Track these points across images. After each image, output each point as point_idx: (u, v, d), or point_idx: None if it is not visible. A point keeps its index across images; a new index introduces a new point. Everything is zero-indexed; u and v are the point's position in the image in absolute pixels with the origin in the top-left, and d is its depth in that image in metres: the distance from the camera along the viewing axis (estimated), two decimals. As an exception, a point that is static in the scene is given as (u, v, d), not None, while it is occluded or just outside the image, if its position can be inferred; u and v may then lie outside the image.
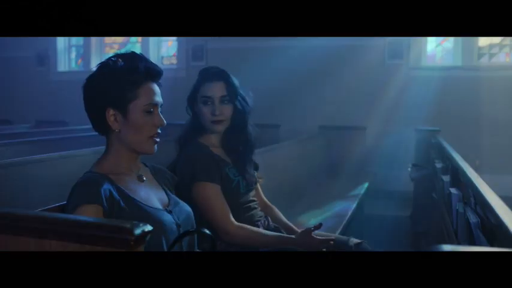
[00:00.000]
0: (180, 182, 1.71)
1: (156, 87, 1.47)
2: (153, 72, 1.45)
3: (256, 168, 2.04)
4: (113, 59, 1.43)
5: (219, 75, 1.91)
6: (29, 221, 0.97)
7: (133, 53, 1.46)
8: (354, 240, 1.89)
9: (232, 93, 1.90)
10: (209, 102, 1.89)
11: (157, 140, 1.47)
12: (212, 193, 1.81)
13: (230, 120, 1.91)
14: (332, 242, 1.75)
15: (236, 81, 1.93)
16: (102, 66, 1.44)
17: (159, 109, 1.47)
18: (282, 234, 1.87)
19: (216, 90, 1.88)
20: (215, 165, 1.86)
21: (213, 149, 1.91)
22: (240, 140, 1.93)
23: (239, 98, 1.92)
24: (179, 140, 1.96)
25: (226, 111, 1.89)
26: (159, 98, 1.46)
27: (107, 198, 1.32)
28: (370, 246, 1.91)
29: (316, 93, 5.99)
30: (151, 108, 1.43)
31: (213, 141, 1.93)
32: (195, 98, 1.93)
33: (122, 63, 1.42)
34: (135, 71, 1.41)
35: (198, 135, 1.94)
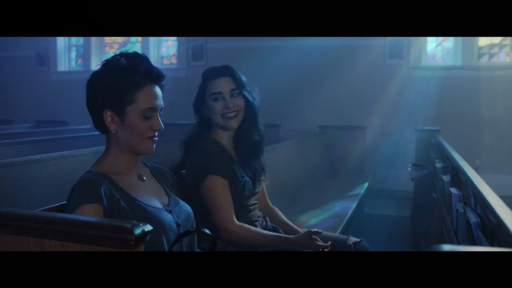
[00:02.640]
0: (191, 174, 1.70)
1: (157, 90, 1.45)
2: (153, 74, 1.44)
3: (263, 171, 2.02)
4: (116, 57, 1.43)
5: (225, 70, 1.91)
6: (29, 221, 0.97)
7: (136, 53, 1.45)
8: (353, 239, 1.89)
9: (240, 86, 1.90)
10: (220, 98, 1.88)
11: (155, 139, 1.46)
12: (220, 188, 1.81)
13: (243, 112, 1.91)
14: (329, 248, 1.76)
15: (241, 75, 1.93)
16: (106, 63, 1.43)
17: (159, 112, 1.46)
18: (281, 235, 1.87)
19: (225, 84, 1.88)
20: (228, 161, 1.86)
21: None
22: (252, 136, 1.92)
23: (247, 89, 1.92)
24: (186, 142, 1.94)
25: (239, 102, 1.89)
26: (159, 102, 1.44)
27: (107, 198, 1.32)
28: (370, 246, 1.91)
29: (316, 93, 5.99)
30: (149, 113, 1.42)
31: (223, 140, 1.93)
32: (203, 99, 1.91)
33: (124, 62, 1.41)
34: (135, 72, 1.41)
35: (208, 133, 1.93)
